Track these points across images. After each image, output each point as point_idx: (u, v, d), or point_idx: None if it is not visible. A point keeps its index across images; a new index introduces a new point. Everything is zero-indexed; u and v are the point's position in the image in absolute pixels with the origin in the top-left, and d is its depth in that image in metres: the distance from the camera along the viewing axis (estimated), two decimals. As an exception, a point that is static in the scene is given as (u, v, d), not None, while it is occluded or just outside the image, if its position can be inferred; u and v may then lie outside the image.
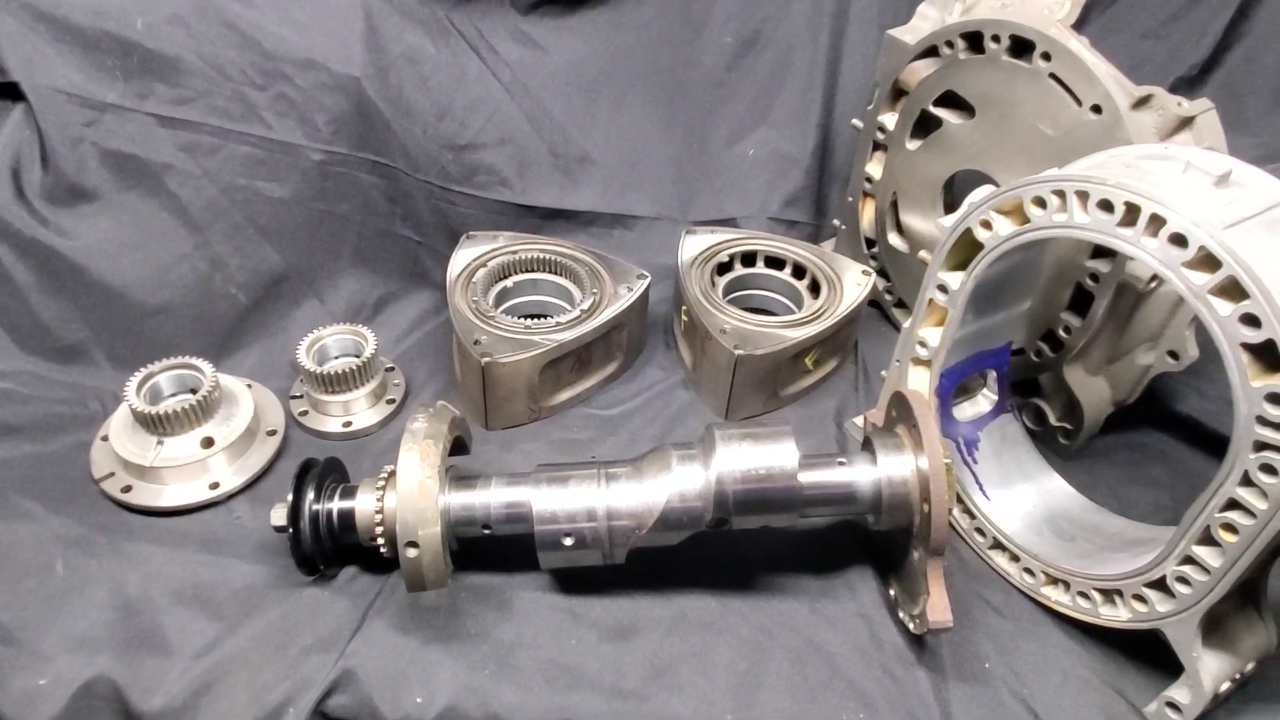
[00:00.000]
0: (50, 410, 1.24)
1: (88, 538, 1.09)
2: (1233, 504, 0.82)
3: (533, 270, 1.43)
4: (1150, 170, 0.87)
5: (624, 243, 1.65)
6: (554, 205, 1.61)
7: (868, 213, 1.53)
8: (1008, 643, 1.04)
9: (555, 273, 1.43)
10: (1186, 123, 1.07)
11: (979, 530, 1.14)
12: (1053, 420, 1.29)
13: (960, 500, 1.16)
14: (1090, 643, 1.04)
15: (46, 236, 1.27)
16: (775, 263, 1.48)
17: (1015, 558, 1.10)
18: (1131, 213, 0.83)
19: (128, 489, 1.14)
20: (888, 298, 1.56)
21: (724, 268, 1.47)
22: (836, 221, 1.62)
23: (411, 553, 0.95)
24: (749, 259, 1.49)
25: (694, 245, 1.46)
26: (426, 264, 1.53)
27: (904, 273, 1.49)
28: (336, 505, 1.04)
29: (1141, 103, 1.08)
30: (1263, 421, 0.77)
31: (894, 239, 1.49)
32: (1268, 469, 0.78)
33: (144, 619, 1.01)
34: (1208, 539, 0.86)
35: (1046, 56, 1.13)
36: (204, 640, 0.99)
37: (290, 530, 1.01)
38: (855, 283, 1.40)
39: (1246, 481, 0.80)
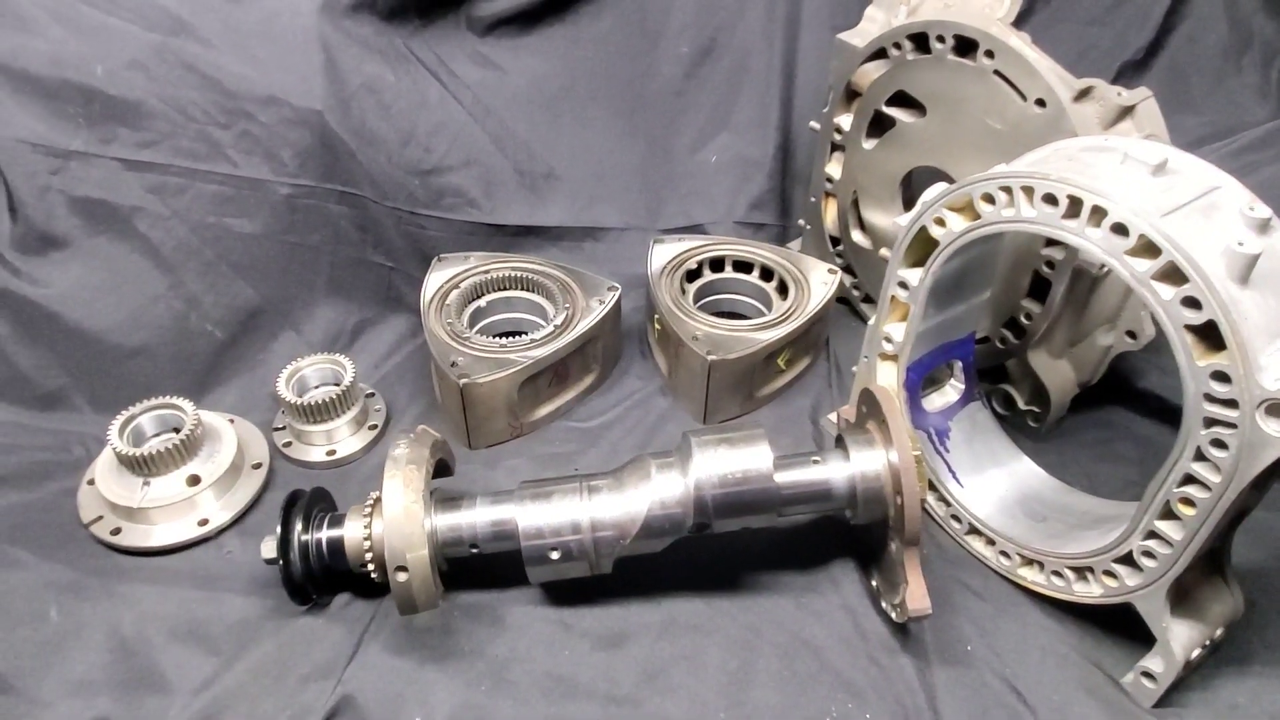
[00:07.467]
0: (34, 458, 1.25)
1: (80, 582, 1.10)
2: (1189, 479, 0.86)
3: (505, 289, 1.45)
4: (1091, 163, 0.90)
5: (595, 255, 1.67)
6: (523, 222, 1.63)
7: (830, 212, 1.56)
8: (988, 624, 1.07)
9: (527, 290, 1.45)
10: (1127, 111, 1.10)
11: (955, 517, 1.17)
12: (1021, 404, 1.32)
13: (934, 489, 1.19)
14: (1067, 619, 1.07)
15: (19, 286, 1.27)
16: (743, 266, 1.51)
17: (991, 541, 1.13)
18: (1075, 205, 0.86)
19: (117, 531, 1.15)
20: (855, 293, 1.59)
21: (693, 274, 1.49)
22: (801, 221, 1.65)
23: (401, 577, 0.97)
24: (717, 264, 1.51)
25: (663, 254, 1.48)
26: (401, 288, 1.55)
27: (869, 269, 1.52)
28: (325, 534, 1.05)
29: (1083, 94, 1.11)
30: (1210, 398, 0.80)
31: (857, 236, 1.52)
32: (1218, 444, 0.81)
33: (141, 659, 1.02)
34: (1168, 513, 0.89)
35: (990, 54, 1.16)
36: (202, 676, 1.00)
37: (281, 562, 1.03)
38: (822, 282, 1.43)
39: (1200, 456, 0.84)
